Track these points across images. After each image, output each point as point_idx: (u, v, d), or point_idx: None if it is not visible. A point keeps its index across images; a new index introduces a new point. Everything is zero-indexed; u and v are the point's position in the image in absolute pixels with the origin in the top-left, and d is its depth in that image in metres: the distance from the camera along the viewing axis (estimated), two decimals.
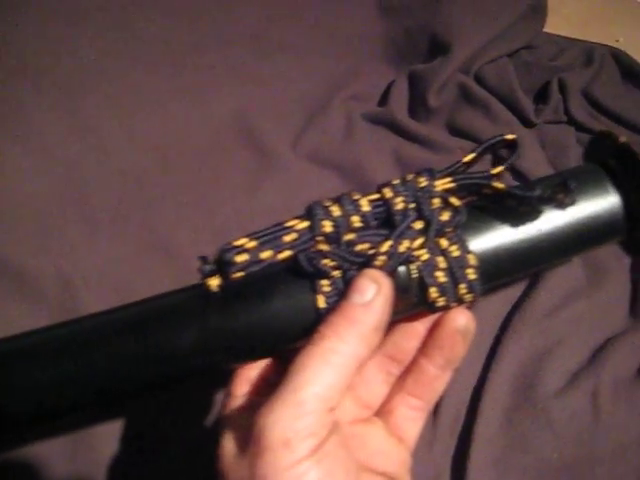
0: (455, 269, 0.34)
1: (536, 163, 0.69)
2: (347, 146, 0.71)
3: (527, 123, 0.73)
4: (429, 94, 0.72)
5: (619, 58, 0.79)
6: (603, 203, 0.36)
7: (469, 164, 0.38)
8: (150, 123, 0.72)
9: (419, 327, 0.37)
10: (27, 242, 0.62)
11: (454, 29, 0.74)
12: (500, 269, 0.36)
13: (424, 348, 0.37)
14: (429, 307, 0.35)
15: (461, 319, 0.35)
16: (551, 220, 0.36)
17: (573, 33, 0.86)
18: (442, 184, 0.35)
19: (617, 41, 0.88)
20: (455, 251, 0.34)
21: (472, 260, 0.34)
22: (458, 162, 0.37)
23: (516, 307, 0.59)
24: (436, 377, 0.37)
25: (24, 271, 0.59)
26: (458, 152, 0.70)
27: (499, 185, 0.35)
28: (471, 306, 0.36)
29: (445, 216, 0.34)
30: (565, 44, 0.80)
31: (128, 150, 0.70)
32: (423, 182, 0.34)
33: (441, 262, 0.34)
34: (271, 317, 0.34)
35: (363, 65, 0.79)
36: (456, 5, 0.76)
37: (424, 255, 0.34)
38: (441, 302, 0.34)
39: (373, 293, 0.31)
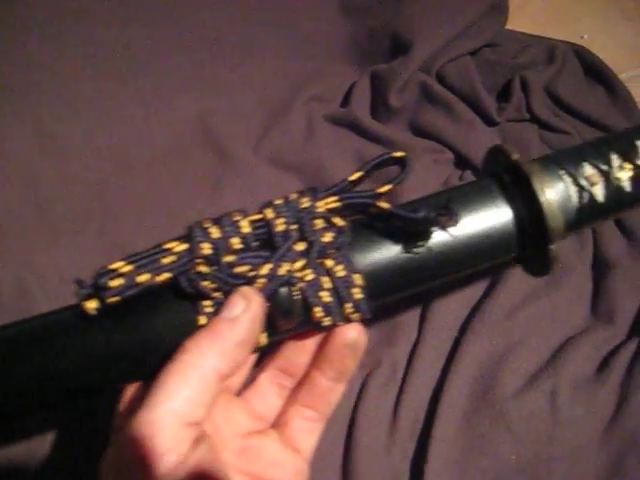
0: (340, 289, 0.34)
1: None
2: (308, 148, 0.71)
3: (489, 121, 0.72)
4: (390, 94, 0.71)
5: (582, 55, 0.79)
6: (494, 220, 0.37)
7: (356, 182, 0.38)
8: (110, 128, 0.71)
9: (309, 343, 0.37)
10: None
11: (414, 28, 0.74)
12: (388, 288, 0.36)
13: (315, 361, 0.37)
14: (316, 326, 0.35)
15: (350, 334, 0.35)
16: (440, 239, 0.36)
17: (538, 30, 0.85)
18: (327, 203, 0.35)
19: (582, 38, 0.88)
20: (340, 271, 0.34)
21: (358, 280, 0.34)
22: (344, 180, 0.37)
23: (476, 308, 0.59)
24: (329, 389, 0.37)
25: None
26: (420, 152, 0.70)
27: (384, 205, 0.34)
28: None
29: (328, 237, 0.34)
30: (528, 41, 0.80)
31: (88, 156, 0.69)
32: (305, 202, 0.34)
33: (326, 282, 0.34)
34: (154, 338, 0.33)
35: (326, 66, 0.79)
36: (417, 4, 0.76)
37: (309, 275, 0.34)
38: (327, 321, 0.34)
39: (241, 309, 0.32)
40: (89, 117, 0.71)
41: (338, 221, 0.34)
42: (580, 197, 0.37)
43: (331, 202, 0.35)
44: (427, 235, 0.35)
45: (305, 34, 0.80)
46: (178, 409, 0.29)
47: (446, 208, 0.35)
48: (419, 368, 0.56)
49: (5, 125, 0.67)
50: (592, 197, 0.38)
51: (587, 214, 0.38)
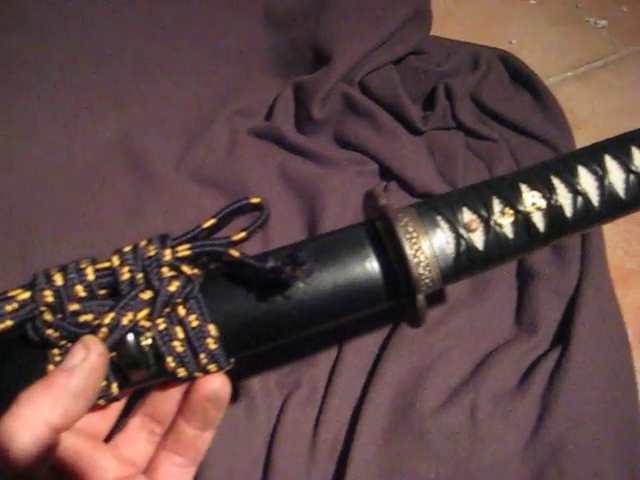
0: (194, 339, 0.33)
1: (423, 171, 0.68)
2: (231, 163, 0.69)
3: (414, 130, 0.71)
4: (312, 106, 0.70)
5: (507, 61, 0.78)
6: (358, 270, 0.36)
7: (213, 229, 0.36)
8: (28, 148, 0.70)
9: (174, 392, 0.36)
10: None
11: (335, 38, 0.73)
12: (247, 339, 0.35)
13: (181, 410, 0.36)
14: (172, 377, 0.34)
15: (211, 386, 0.34)
16: (298, 289, 0.35)
17: (468, 36, 0.85)
18: (179, 251, 0.33)
19: (511, 43, 0.88)
20: (194, 321, 0.33)
21: (213, 330, 0.33)
22: (198, 227, 0.35)
23: (396, 324, 0.58)
24: (196, 437, 0.36)
25: None
26: (344, 164, 0.69)
27: (234, 253, 0.33)
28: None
29: (174, 286, 0.32)
30: (454, 48, 0.80)
31: (8, 176, 0.68)
32: (152, 250, 0.33)
33: (179, 332, 0.33)
34: (4, 387, 0.32)
35: (250, 79, 0.78)
36: (338, 14, 0.75)
37: (161, 325, 0.33)
38: (182, 373, 0.33)
39: (79, 359, 0.30)
40: (8, 137, 0.70)
41: (186, 270, 0.33)
42: (457, 245, 0.36)
43: (183, 250, 0.33)
44: (281, 285, 0.33)
45: (227, 47, 0.79)
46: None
47: (292, 257, 0.33)
48: (339, 387, 0.55)
49: None
50: (470, 245, 0.36)
51: (466, 263, 0.37)
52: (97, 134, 0.72)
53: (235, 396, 0.55)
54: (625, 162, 0.39)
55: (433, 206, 0.37)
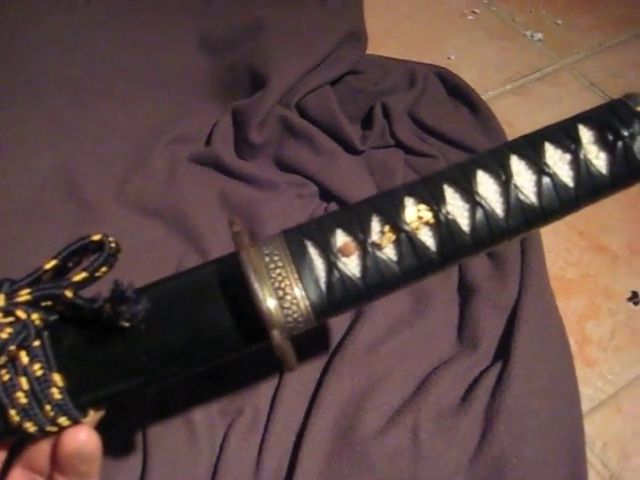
0: (37, 390, 0.31)
1: (362, 191, 0.68)
2: (170, 191, 0.69)
3: (353, 150, 0.72)
4: (250, 130, 0.70)
5: (444, 77, 0.79)
6: (204, 314, 0.33)
7: (61, 270, 0.34)
8: None
9: (43, 444, 0.33)
10: None
11: (271, 62, 0.73)
12: (100, 387, 0.33)
13: (54, 464, 0.33)
14: (22, 434, 0.32)
15: (74, 442, 0.31)
16: (142, 331, 0.32)
17: (407, 53, 0.86)
18: (20, 295, 0.32)
19: (449, 59, 0.88)
20: (38, 370, 0.31)
21: (58, 380, 0.31)
22: (40, 269, 0.33)
23: (338, 347, 0.58)
24: None
25: None
26: (284, 187, 0.69)
27: (68, 294, 0.31)
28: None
29: (5, 333, 0.30)
30: (391, 66, 0.80)
31: None
32: None
33: (24, 382, 0.31)
34: None
35: (189, 105, 0.77)
36: (272, 37, 0.75)
37: (5, 375, 0.31)
38: (31, 428, 0.31)
39: None
40: None
41: (21, 314, 0.31)
42: (330, 273, 0.32)
43: (23, 294, 0.32)
44: (115, 327, 0.31)
45: (165, 74, 0.78)
46: None
47: (119, 295, 0.30)
48: (281, 414, 0.55)
49: None
50: (345, 272, 0.32)
51: (342, 294, 0.32)
52: (35, 167, 0.71)
53: (175, 425, 0.54)
54: (536, 161, 0.33)
55: (303, 231, 0.33)
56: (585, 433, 0.55)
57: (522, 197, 0.33)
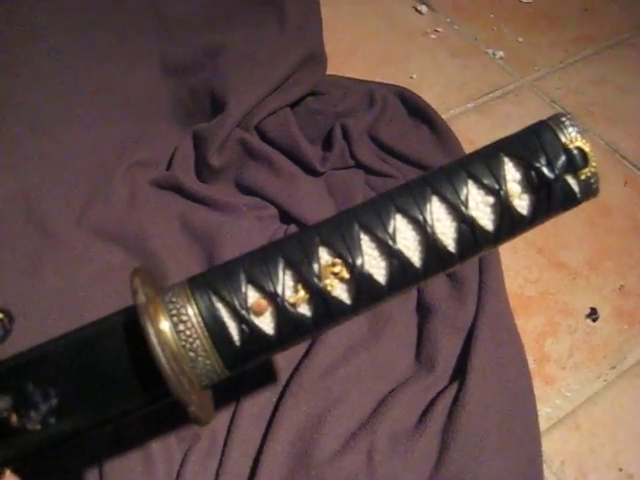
0: None
1: (322, 213, 0.68)
2: (131, 216, 0.69)
3: (313, 172, 0.72)
4: (210, 154, 0.70)
5: (404, 96, 0.80)
6: (110, 364, 0.31)
7: None
8: None
9: None
10: None
11: (229, 85, 0.73)
12: None
13: None
14: None
15: None
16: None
17: (370, 73, 0.86)
18: None
19: (412, 78, 0.89)
20: None
21: None
22: None
23: (295, 370, 0.58)
24: None
25: None
26: (244, 210, 0.69)
27: None
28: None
29: None
30: (352, 87, 0.81)
31: None
32: None
33: None
34: None
35: (150, 129, 0.77)
36: (231, 61, 0.76)
37: None
38: None
39: None
40: None
41: None
42: (241, 331, 0.31)
43: None
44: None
45: (126, 99, 0.79)
46: None
47: (23, 401, 0.29)
48: (238, 438, 0.54)
49: None
50: (258, 331, 0.31)
51: (254, 349, 0.31)
52: None
53: (132, 455, 0.54)
54: (456, 206, 0.31)
55: (210, 284, 0.31)
56: (543, 451, 0.55)
57: (440, 246, 0.31)
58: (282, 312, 0.31)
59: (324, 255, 0.31)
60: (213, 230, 0.67)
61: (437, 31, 0.98)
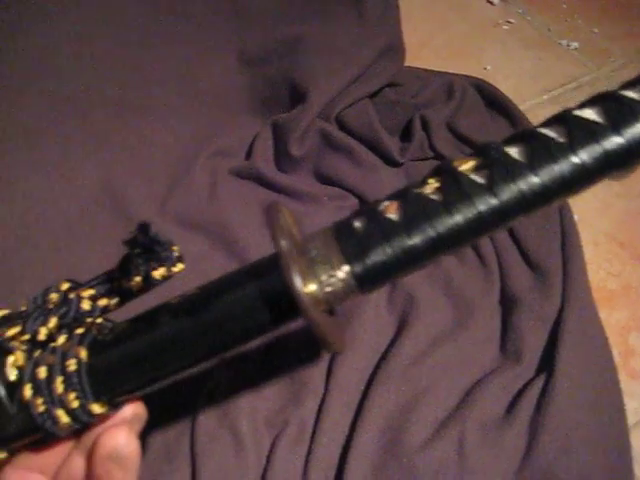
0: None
1: None
2: (212, 205, 0.70)
3: (393, 163, 0.72)
4: (291, 144, 0.71)
5: (481, 88, 0.79)
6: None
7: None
8: (9, 200, 0.70)
9: (80, 461, 0.32)
10: None
11: (310, 76, 0.74)
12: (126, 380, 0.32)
13: (87, 474, 0.31)
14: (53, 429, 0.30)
15: (113, 442, 0.30)
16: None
17: (443, 65, 0.86)
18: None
19: (485, 69, 0.89)
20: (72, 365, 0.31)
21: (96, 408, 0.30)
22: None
23: (382, 358, 0.58)
24: None
25: None
26: (324, 200, 0.70)
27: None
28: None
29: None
30: (429, 78, 0.81)
31: None
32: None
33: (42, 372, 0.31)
34: None
35: (228, 119, 0.78)
36: (312, 51, 0.76)
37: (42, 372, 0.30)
38: (41, 407, 0.30)
39: None
40: None
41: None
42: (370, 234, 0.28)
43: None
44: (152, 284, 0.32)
45: (205, 89, 0.80)
46: None
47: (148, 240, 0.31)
48: (327, 426, 0.55)
49: None
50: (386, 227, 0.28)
51: (383, 255, 0.28)
52: (79, 182, 0.72)
53: (223, 436, 0.55)
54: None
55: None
56: (632, 447, 0.54)
57: None
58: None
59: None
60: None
61: (509, 22, 0.97)
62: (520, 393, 0.57)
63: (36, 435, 0.31)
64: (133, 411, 0.32)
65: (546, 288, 0.62)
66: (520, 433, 0.54)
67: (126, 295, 0.33)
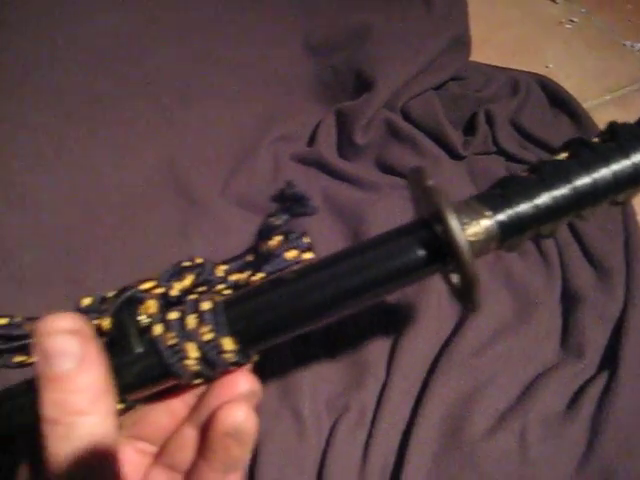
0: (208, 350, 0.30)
1: (464, 196, 0.68)
2: (275, 188, 0.70)
3: (456, 156, 0.72)
4: (355, 132, 0.71)
5: (546, 85, 0.79)
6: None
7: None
8: (75, 175, 0.71)
9: (192, 434, 0.32)
10: None
11: (377, 65, 0.74)
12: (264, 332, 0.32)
13: (200, 451, 0.31)
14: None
15: (233, 418, 0.30)
16: None
17: (504, 61, 0.86)
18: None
19: (547, 67, 0.88)
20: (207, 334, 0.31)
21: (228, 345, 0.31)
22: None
23: (444, 347, 0.59)
24: None
25: None
26: (387, 189, 0.70)
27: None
28: None
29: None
30: (493, 74, 0.80)
31: (53, 204, 0.69)
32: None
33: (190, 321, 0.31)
34: None
35: (291, 105, 0.79)
36: (379, 41, 0.76)
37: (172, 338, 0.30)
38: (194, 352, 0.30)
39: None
40: (57, 166, 0.72)
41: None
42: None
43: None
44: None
45: (269, 74, 0.80)
46: None
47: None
48: (388, 411, 0.56)
49: None
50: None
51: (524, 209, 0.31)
52: (143, 161, 0.73)
53: (284, 417, 0.55)
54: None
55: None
56: None
57: None
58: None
59: None
60: (357, 207, 0.68)
61: (572, 21, 0.97)
62: (581, 390, 0.56)
63: (157, 384, 0.31)
64: (250, 387, 0.32)
65: (609, 287, 0.62)
66: (581, 430, 0.54)
67: (257, 267, 0.34)
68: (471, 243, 0.30)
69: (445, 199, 0.30)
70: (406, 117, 0.74)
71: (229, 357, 0.30)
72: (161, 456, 0.33)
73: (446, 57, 0.77)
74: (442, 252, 0.30)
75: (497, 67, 0.82)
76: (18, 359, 0.32)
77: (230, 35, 0.83)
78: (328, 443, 0.55)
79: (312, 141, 0.76)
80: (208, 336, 0.30)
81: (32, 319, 0.32)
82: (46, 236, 0.67)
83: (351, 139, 0.72)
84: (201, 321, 0.30)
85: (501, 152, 0.74)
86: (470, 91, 0.78)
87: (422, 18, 0.79)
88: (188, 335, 0.30)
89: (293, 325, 0.32)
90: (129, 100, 0.76)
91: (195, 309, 0.31)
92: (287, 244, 0.34)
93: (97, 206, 0.70)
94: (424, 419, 0.54)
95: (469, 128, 0.76)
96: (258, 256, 0.35)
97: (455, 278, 0.33)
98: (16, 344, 0.32)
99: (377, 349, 0.59)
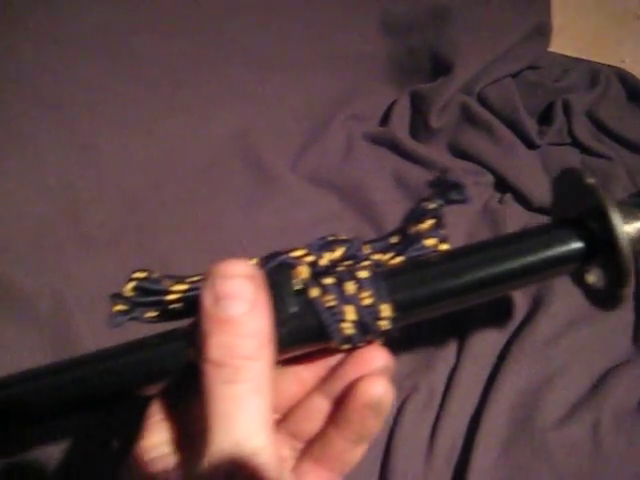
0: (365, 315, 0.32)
1: (539, 185, 0.68)
2: (347, 166, 0.70)
3: (530, 144, 0.71)
4: (430, 115, 0.71)
5: (625, 79, 0.78)
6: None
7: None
8: (148, 142, 0.72)
9: (323, 404, 0.33)
10: (22, 261, 0.62)
11: (457, 49, 0.73)
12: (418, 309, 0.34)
13: (334, 420, 0.32)
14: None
15: (374, 391, 0.31)
16: None
17: (579, 53, 0.84)
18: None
19: (623, 62, 0.86)
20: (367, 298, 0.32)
21: (386, 311, 0.32)
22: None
23: (515, 335, 0.58)
24: (346, 451, 0.32)
25: (18, 290, 0.59)
26: (460, 174, 0.69)
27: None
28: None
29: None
30: (570, 64, 0.79)
31: (125, 169, 0.70)
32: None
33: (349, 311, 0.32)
34: None
35: (364, 84, 0.78)
36: (460, 24, 0.75)
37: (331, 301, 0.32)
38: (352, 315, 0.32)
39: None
40: (127, 130, 0.72)
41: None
42: None
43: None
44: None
45: (345, 51, 0.80)
46: None
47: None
48: (457, 394, 0.55)
49: (43, 138, 0.68)
50: None
51: None
52: (213, 130, 0.73)
53: None
54: None
55: None
56: None
57: None
58: None
59: None
60: (428, 190, 0.67)
61: None
62: None
63: (306, 344, 0.33)
64: (385, 362, 0.33)
65: None
66: None
67: (401, 250, 0.35)
68: (630, 240, 0.32)
69: (608, 196, 0.32)
70: (482, 102, 0.73)
71: (383, 324, 0.32)
72: (285, 423, 0.34)
73: (527, 44, 0.76)
74: (593, 248, 0.33)
75: (574, 58, 0.81)
76: (149, 314, 0.33)
77: (306, 11, 0.82)
78: (395, 422, 0.55)
79: (384, 122, 0.75)
80: (368, 301, 0.31)
81: (170, 277, 0.33)
82: (115, 199, 0.67)
83: (426, 121, 0.71)
84: (360, 287, 0.31)
85: (576, 144, 0.73)
86: (547, 80, 0.76)
87: (505, 3, 0.77)
88: (347, 299, 0.31)
89: (446, 301, 0.34)
90: (202, 68, 0.76)
91: (352, 277, 0.32)
92: (435, 229, 0.35)
93: (166, 172, 0.70)
94: (495, 405, 0.54)
95: (544, 118, 0.75)
96: (405, 237, 0.35)
97: (592, 278, 0.37)
98: (151, 299, 0.32)
99: (448, 333, 0.59)
